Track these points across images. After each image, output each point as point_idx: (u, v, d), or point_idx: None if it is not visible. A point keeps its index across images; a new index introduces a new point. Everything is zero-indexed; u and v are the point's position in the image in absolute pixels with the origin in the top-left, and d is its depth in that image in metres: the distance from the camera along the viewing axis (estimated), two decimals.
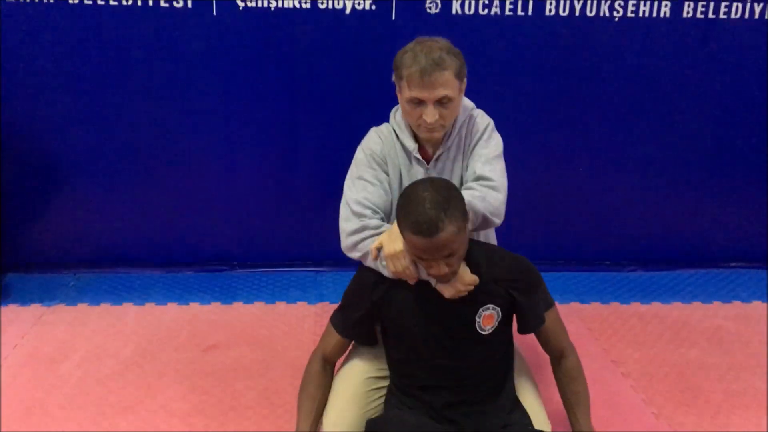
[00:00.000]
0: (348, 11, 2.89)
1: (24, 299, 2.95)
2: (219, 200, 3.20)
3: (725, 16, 2.97)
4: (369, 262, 1.80)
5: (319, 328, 2.74)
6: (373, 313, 1.82)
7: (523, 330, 1.86)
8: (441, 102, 1.80)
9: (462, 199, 1.63)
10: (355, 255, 1.84)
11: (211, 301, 3.00)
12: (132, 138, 3.05)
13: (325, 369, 1.93)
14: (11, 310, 2.86)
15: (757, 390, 2.43)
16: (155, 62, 2.92)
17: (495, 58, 3.00)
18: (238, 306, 2.96)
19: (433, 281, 1.71)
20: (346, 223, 1.86)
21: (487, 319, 1.76)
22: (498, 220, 1.87)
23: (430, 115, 1.80)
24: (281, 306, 2.97)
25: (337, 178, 3.11)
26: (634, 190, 3.31)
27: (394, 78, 1.87)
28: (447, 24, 2.91)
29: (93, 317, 2.83)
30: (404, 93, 1.82)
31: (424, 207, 1.54)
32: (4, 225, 3.12)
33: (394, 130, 1.98)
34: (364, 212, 1.85)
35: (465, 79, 1.87)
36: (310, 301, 3.02)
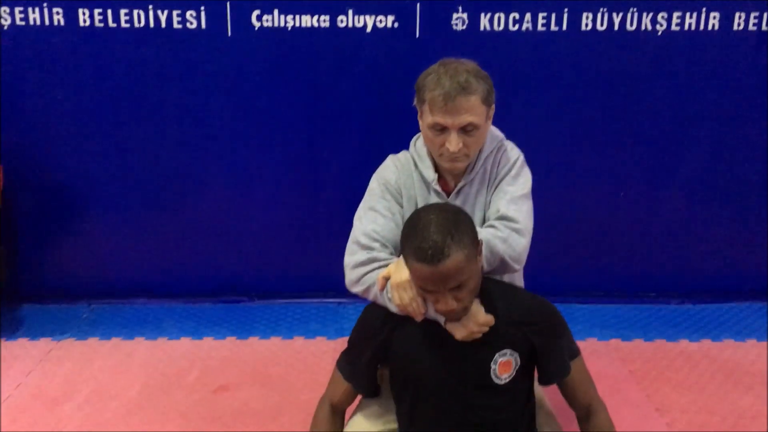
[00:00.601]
0: (369, 29, 2.74)
1: (35, 332, 2.86)
2: (237, 228, 3.07)
3: None
4: (374, 296, 1.63)
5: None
6: (379, 355, 1.64)
7: (545, 380, 1.65)
8: (465, 129, 1.63)
9: (472, 225, 1.47)
10: (359, 289, 1.68)
11: (227, 336, 2.85)
12: (147, 165, 2.94)
13: (334, 418, 1.75)
14: (20, 345, 2.77)
15: None
16: (170, 86, 2.82)
17: (527, 77, 2.82)
18: (254, 341, 2.81)
19: (442, 319, 1.53)
20: (352, 256, 1.70)
21: (504, 366, 1.56)
22: (518, 266, 1.68)
23: (454, 143, 1.63)
24: (299, 341, 2.81)
25: (359, 204, 3.01)
26: (681, 214, 3.07)
27: (415, 102, 1.72)
28: (474, 41, 2.74)
29: (102, 353, 2.71)
30: (426, 118, 1.66)
31: (429, 231, 1.39)
32: (21, 255, 3.05)
33: (413, 159, 1.81)
34: (372, 245, 1.68)
35: (493, 106, 1.70)
36: (330, 336, 2.85)
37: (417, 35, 2.75)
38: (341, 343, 2.75)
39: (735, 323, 2.99)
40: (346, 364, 1.72)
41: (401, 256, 1.56)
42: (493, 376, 1.55)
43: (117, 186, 2.98)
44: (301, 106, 2.87)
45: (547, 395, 1.77)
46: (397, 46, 2.76)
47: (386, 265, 1.63)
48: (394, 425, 1.74)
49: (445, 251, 1.37)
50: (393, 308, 1.58)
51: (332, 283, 3.16)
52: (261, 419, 2.31)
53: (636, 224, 3.10)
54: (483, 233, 1.60)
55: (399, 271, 1.55)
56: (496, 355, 1.55)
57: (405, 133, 2.83)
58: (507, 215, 1.69)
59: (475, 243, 1.45)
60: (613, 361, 2.65)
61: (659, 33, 2.75)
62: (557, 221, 2.95)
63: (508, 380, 1.56)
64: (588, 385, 1.67)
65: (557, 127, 2.90)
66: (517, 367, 1.57)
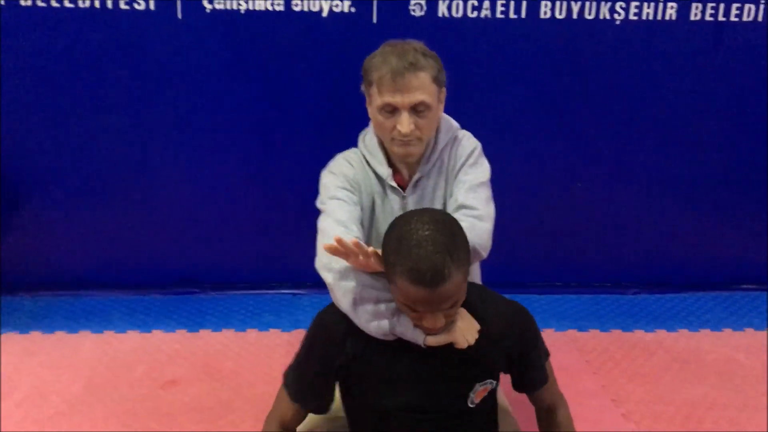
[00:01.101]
0: (325, 14, 2.66)
1: None
2: (187, 217, 2.97)
3: (737, 19, 2.73)
4: (338, 296, 1.46)
5: (290, 361, 2.50)
6: (339, 376, 1.50)
7: (521, 389, 1.59)
8: (417, 110, 1.56)
9: (464, 233, 1.33)
10: (328, 277, 1.48)
11: (177, 328, 2.76)
12: (92, 152, 2.82)
13: None
14: None
15: None
16: (115, 70, 2.70)
17: (485, 64, 2.77)
18: (205, 334, 2.73)
19: (421, 339, 1.39)
20: (329, 238, 1.48)
21: (481, 393, 1.48)
22: (484, 254, 1.62)
23: (405, 124, 1.55)
24: (252, 334, 2.74)
25: (315, 192, 2.93)
26: (637, 205, 3.07)
27: (363, 87, 1.64)
28: (433, 28, 2.68)
29: (45, 347, 2.60)
30: (375, 101, 1.58)
31: (427, 251, 1.23)
32: None
33: (364, 156, 1.72)
34: (351, 227, 1.56)
35: (444, 88, 1.64)
36: (284, 328, 2.78)
37: (374, 20, 2.68)
38: (296, 336, 2.71)
39: (689, 314, 3.00)
40: (295, 381, 1.53)
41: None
42: (468, 403, 1.48)
43: (60, 174, 2.85)
44: (254, 92, 2.78)
45: (503, 391, 1.73)
46: (353, 31, 2.68)
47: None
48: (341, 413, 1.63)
49: (445, 273, 1.23)
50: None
51: (287, 273, 3.10)
52: (211, 415, 2.23)
53: (592, 215, 3.09)
54: None
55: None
56: (477, 385, 1.46)
57: (361, 120, 2.77)
58: (465, 204, 1.63)
59: (469, 257, 1.32)
60: (570, 352, 2.63)
61: (617, 22, 2.73)
62: (514, 212, 2.91)
63: (479, 402, 1.50)
64: (553, 383, 1.62)
65: (514, 116, 2.86)
66: (491, 389, 1.51)
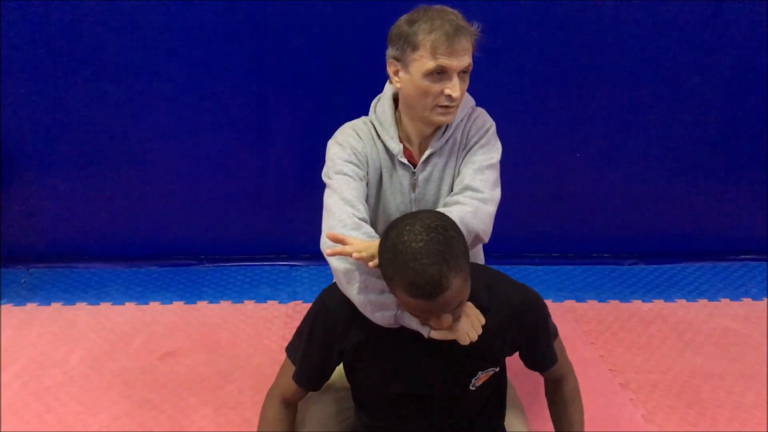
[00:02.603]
0: None
1: None
2: (184, 188, 2.95)
3: None
4: (343, 283, 1.44)
5: (287, 332, 2.51)
6: (340, 359, 1.50)
7: (532, 368, 1.59)
8: (462, 74, 1.54)
9: (461, 234, 1.29)
10: (334, 262, 1.45)
11: (174, 300, 2.75)
12: (89, 123, 2.78)
13: (287, 412, 1.57)
14: None
15: None
16: (111, 42, 2.64)
17: (483, 43, 2.72)
18: (202, 306, 2.72)
19: (425, 331, 1.37)
20: (335, 218, 1.50)
21: (483, 377, 1.48)
22: (486, 238, 1.60)
23: (457, 87, 1.52)
24: (249, 306, 2.73)
25: (312, 164, 2.85)
26: (634, 176, 3.05)
27: (393, 54, 1.57)
28: (429, 2, 2.62)
29: (41, 319, 2.59)
30: (422, 65, 1.51)
31: (421, 263, 1.19)
32: None
33: (375, 127, 1.67)
34: (357, 206, 1.54)
35: None
36: (282, 300, 2.78)
37: None
38: (293, 308, 2.71)
39: (687, 284, 3.00)
40: (296, 364, 1.52)
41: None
42: (471, 387, 1.47)
43: (56, 146, 2.82)
44: (250, 65, 2.73)
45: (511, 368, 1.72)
46: (350, 4, 2.64)
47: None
48: (350, 419, 1.64)
49: (443, 283, 1.20)
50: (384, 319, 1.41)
51: (284, 245, 3.09)
52: (209, 386, 2.23)
53: (590, 186, 3.07)
54: (453, 213, 1.49)
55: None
56: (480, 372, 1.46)
57: (357, 94, 2.73)
58: (472, 185, 1.60)
59: (468, 257, 1.28)
60: (568, 322, 2.64)
61: None
62: (511, 183, 2.89)
63: (480, 384, 1.50)
64: (563, 357, 1.62)
65: (513, 90, 2.83)
66: (495, 372, 1.50)
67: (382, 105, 1.68)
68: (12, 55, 2.64)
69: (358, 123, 1.70)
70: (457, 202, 1.58)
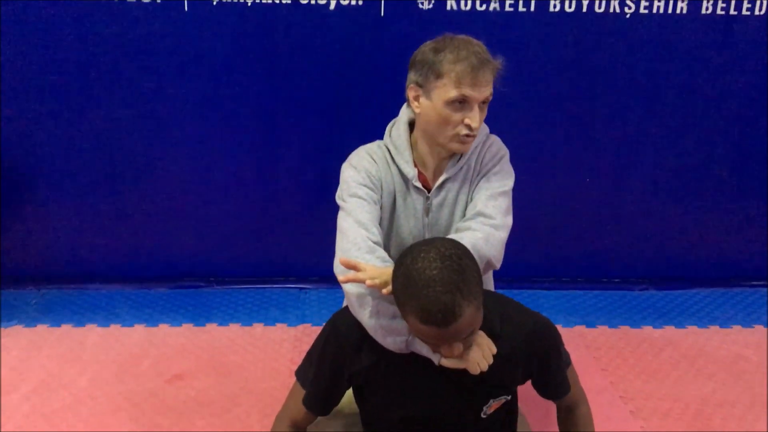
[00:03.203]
0: (332, 7, 2.64)
1: None
2: (195, 211, 2.96)
3: (748, 12, 2.69)
4: (355, 307, 1.45)
5: (296, 355, 2.51)
6: (350, 383, 1.50)
7: (545, 396, 1.59)
8: (483, 104, 1.58)
9: (475, 263, 1.30)
10: (347, 286, 1.47)
11: (183, 323, 2.75)
12: (100, 145, 2.81)
13: None
14: None
15: None
16: (123, 63, 2.68)
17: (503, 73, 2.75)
18: (212, 328, 2.72)
19: (436, 358, 1.38)
20: (350, 241, 1.52)
21: (495, 405, 1.48)
22: (498, 264, 1.61)
23: (477, 118, 1.56)
24: (258, 328, 2.72)
25: (322, 187, 2.92)
26: (645, 200, 3.04)
27: (416, 79, 1.59)
28: (441, 21, 2.65)
29: (51, 341, 2.59)
30: (445, 94, 1.54)
31: (435, 290, 1.20)
32: None
33: (389, 151, 1.69)
34: (372, 229, 1.56)
35: None
36: (291, 323, 2.77)
37: (382, 14, 2.66)
38: (302, 331, 2.70)
39: (698, 310, 2.98)
40: (306, 388, 1.53)
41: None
42: (482, 415, 1.47)
43: (67, 167, 2.84)
44: (261, 85, 2.76)
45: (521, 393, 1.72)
46: (361, 24, 2.66)
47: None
48: None
49: (456, 311, 1.21)
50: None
51: (293, 268, 3.09)
52: (217, 409, 2.22)
53: (600, 211, 3.06)
54: (465, 239, 1.50)
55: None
56: (492, 400, 1.46)
57: (368, 114, 2.76)
58: (484, 212, 1.62)
59: (481, 286, 1.29)
60: (578, 348, 2.62)
61: (627, 16, 2.70)
62: (522, 208, 2.89)
63: (492, 412, 1.49)
64: (576, 384, 1.61)
65: (523, 111, 2.83)
66: (506, 401, 1.50)
67: (397, 129, 1.70)
68: (28, 79, 2.68)
69: (373, 147, 1.73)
70: (468, 228, 1.59)
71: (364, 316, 1.42)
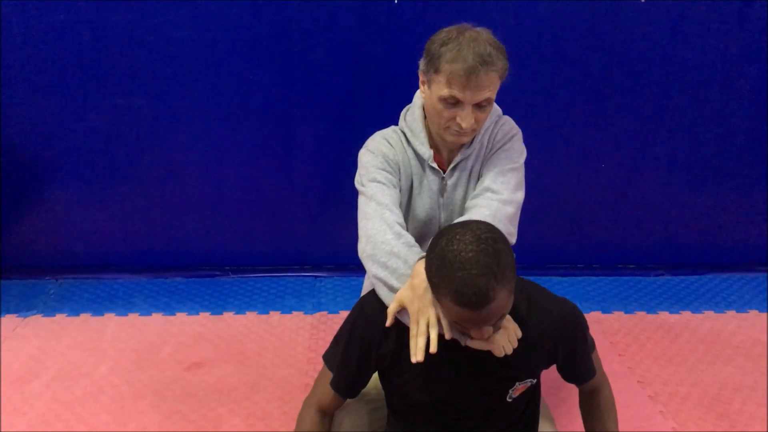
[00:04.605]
0: None
1: None
2: (210, 200, 2.97)
3: None
4: (380, 288, 1.47)
5: (313, 343, 2.52)
6: (376, 367, 1.51)
7: (570, 380, 1.60)
8: (480, 105, 1.53)
9: (509, 246, 1.28)
10: (374, 269, 1.49)
11: (200, 311, 2.77)
12: (115, 135, 2.81)
13: (324, 421, 1.58)
14: None
15: None
16: (136, 54, 2.68)
17: (507, 45, 2.72)
18: (228, 317, 2.73)
19: (463, 339, 1.38)
20: (376, 224, 1.53)
21: (520, 389, 1.48)
22: (512, 239, 1.61)
23: (467, 119, 1.53)
24: (275, 316, 2.74)
25: (337, 176, 2.92)
26: (661, 186, 3.04)
27: (422, 67, 1.58)
28: (454, 8, 2.64)
29: (70, 330, 2.61)
30: (438, 90, 1.53)
31: (470, 273, 1.20)
32: None
33: (405, 134, 1.70)
34: (394, 210, 1.56)
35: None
36: (307, 311, 2.78)
37: (395, 0, 2.65)
38: (318, 318, 2.71)
39: (714, 295, 2.97)
40: (335, 372, 1.53)
41: (414, 282, 1.39)
42: (507, 399, 1.48)
43: (85, 157, 2.85)
44: (275, 75, 2.75)
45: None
46: (374, 11, 2.66)
47: (405, 272, 1.45)
48: (383, 429, 1.65)
49: (490, 295, 1.20)
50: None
51: (309, 256, 3.10)
52: (236, 396, 2.23)
53: (616, 197, 3.05)
54: (474, 217, 1.51)
55: (421, 304, 1.37)
56: (517, 383, 1.46)
57: (382, 102, 2.75)
58: (492, 187, 1.63)
59: (514, 269, 1.28)
60: (595, 334, 2.56)
61: (642, 1, 2.68)
62: (537, 195, 2.89)
63: (517, 396, 1.49)
64: (600, 371, 1.61)
65: (536, 98, 2.82)
66: (531, 384, 1.50)
67: (412, 113, 1.71)
68: (40, 70, 2.68)
69: (388, 131, 1.74)
70: (476, 206, 1.60)
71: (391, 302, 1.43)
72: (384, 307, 1.45)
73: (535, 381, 1.49)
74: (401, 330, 1.42)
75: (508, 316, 1.37)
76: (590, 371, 1.56)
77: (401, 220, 1.56)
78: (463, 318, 1.26)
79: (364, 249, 1.53)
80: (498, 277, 1.21)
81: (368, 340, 1.46)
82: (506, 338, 1.36)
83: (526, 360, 1.44)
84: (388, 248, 1.49)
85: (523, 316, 1.42)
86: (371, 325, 1.46)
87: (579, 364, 1.54)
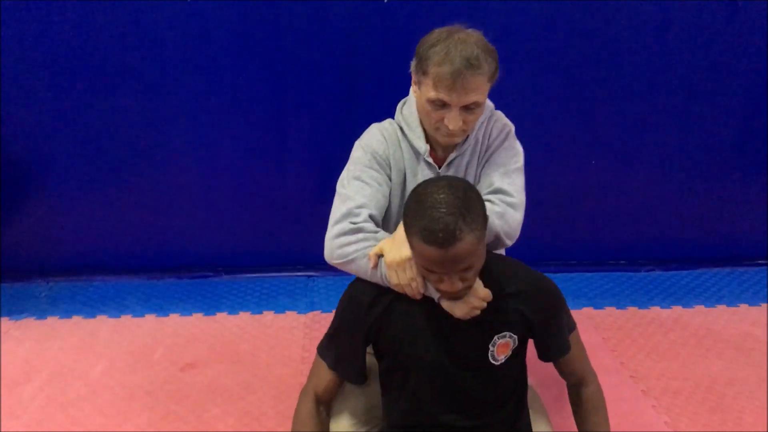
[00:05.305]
0: None
1: None
2: (202, 201, 2.97)
3: None
4: (358, 269, 1.53)
5: (307, 342, 2.52)
6: (369, 338, 1.55)
7: (544, 357, 1.60)
8: (468, 107, 1.54)
9: (482, 202, 1.37)
10: (339, 261, 1.57)
11: (193, 312, 2.76)
12: (107, 136, 2.80)
13: (319, 411, 1.61)
14: None
15: None
16: (128, 53, 2.67)
17: (497, 45, 2.72)
18: (222, 317, 2.73)
19: (436, 296, 1.45)
20: (334, 226, 1.59)
21: (502, 347, 1.50)
22: (509, 242, 1.63)
23: (454, 122, 1.54)
24: (268, 316, 2.74)
25: (329, 174, 2.87)
26: (651, 182, 3.06)
27: (413, 67, 1.60)
28: (445, 7, 2.65)
29: (63, 332, 2.60)
30: (426, 92, 1.54)
31: (439, 212, 1.28)
32: None
33: (401, 127, 1.71)
34: (358, 213, 1.58)
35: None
36: (300, 311, 2.78)
37: (385, 0, 2.66)
38: (312, 318, 2.71)
39: (705, 290, 3.00)
40: (329, 350, 1.60)
41: (395, 232, 1.49)
42: (490, 358, 1.50)
43: (74, 158, 2.84)
44: (266, 74, 2.75)
45: (536, 374, 1.73)
46: (365, 10, 2.66)
47: (374, 238, 1.54)
48: (379, 417, 1.67)
49: (457, 234, 1.27)
50: (387, 284, 1.49)
51: (302, 256, 3.10)
52: (231, 397, 2.23)
53: (606, 193, 3.07)
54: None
55: (396, 248, 1.45)
56: (495, 337, 1.49)
57: (374, 102, 2.76)
58: (502, 188, 1.64)
59: (485, 222, 1.35)
60: (587, 329, 2.64)
61: None
62: (528, 190, 2.90)
63: (503, 361, 1.51)
64: (582, 356, 1.63)
65: (528, 95, 2.83)
66: (514, 347, 1.52)
67: (409, 107, 1.71)
68: (31, 71, 2.67)
69: (385, 124, 1.75)
70: (487, 201, 1.60)
71: (369, 271, 1.51)
72: (370, 286, 1.52)
73: (516, 342, 1.51)
74: (385, 300, 1.51)
75: (479, 281, 1.43)
76: (564, 347, 1.58)
77: (365, 224, 1.58)
78: (431, 258, 1.31)
79: (330, 243, 1.60)
80: (466, 219, 1.29)
81: (355, 316, 1.52)
82: (475, 298, 1.42)
83: (502, 310, 1.48)
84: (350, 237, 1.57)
85: (499, 273, 1.50)
86: (357, 302, 1.53)
87: (553, 335, 1.55)
